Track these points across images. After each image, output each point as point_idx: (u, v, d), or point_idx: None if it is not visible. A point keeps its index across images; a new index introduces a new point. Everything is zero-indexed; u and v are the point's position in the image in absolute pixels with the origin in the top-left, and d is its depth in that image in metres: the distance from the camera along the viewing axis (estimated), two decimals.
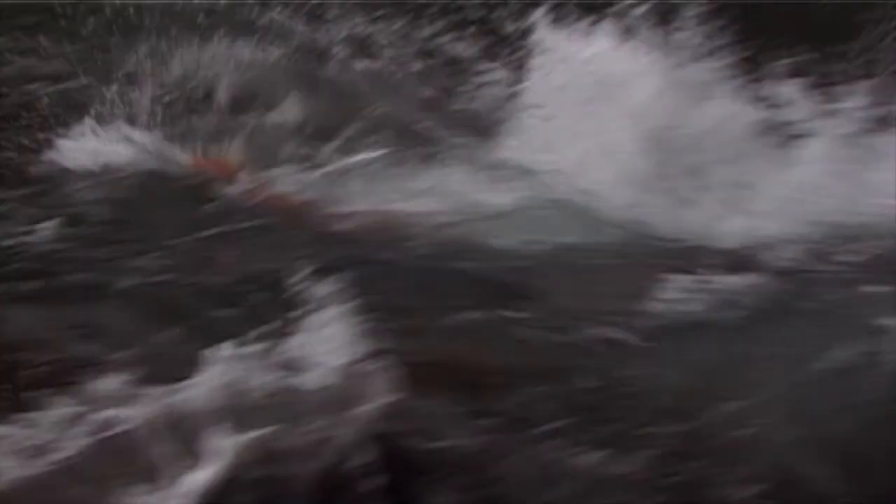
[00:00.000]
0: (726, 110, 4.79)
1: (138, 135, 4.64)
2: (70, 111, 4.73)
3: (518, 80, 5.07)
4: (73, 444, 2.51)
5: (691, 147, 4.67)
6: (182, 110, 4.83)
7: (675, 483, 2.63)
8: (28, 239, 3.68)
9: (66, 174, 4.38)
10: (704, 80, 4.86)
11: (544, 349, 3.21)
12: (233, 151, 4.64)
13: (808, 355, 3.19)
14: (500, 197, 4.37)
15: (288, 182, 4.42)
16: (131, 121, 4.71)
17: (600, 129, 4.73)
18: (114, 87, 4.80)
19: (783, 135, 4.72)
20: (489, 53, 5.40)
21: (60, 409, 2.62)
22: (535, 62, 5.00)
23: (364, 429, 2.53)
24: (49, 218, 3.84)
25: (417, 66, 5.45)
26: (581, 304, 3.50)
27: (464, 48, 5.48)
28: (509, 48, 5.33)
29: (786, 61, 4.90)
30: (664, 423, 2.81)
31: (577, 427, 2.74)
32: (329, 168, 4.53)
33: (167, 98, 4.83)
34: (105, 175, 4.36)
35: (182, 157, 4.58)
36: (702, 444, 2.76)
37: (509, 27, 5.45)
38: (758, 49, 4.95)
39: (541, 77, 4.98)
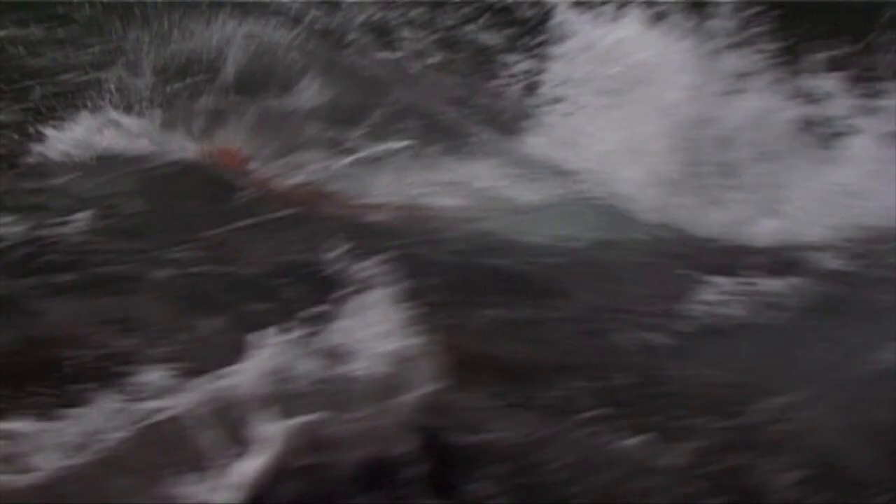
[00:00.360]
0: (762, 104, 4.67)
1: (149, 126, 4.55)
2: (85, 103, 4.64)
3: (540, 70, 4.98)
4: (119, 436, 2.51)
5: (724, 143, 4.57)
6: (192, 100, 4.72)
7: (717, 471, 2.63)
8: (55, 231, 3.65)
9: (70, 166, 4.30)
10: (739, 71, 4.73)
11: (581, 344, 3.24)
12: (245, 141, 4.51)
13: (848, 353, 3.18)
14: (525, 192, 4.30)
15: (302, 172, 4.34)
16: (143, 112, 4.62)
17: (626, 122, 4.65)
18: (126, 78, 4.72)
19: (822, 132, 4.63)
20: (510, 40, 5.29)
21: (104, 401, 2.62)
22: (558, 50, 4.92)
23: (407, 417, 2.53)
24: (62, 210, 3.78)
25: (438, 55, 5.33)
26: (616, 302, 3.50)
27: (485, 36, 5.39)
28: (531, 34, 5.21)
29: (826, 53, 4.78)
30: (704, 415, 2.82)
31: (616, 419, 2.74)
32: (346, 158, 4.43)
33: (178, 88, 4.75)
34: (120, 167, 4.26)
35: (193, 148, 4.46)
36: (742, 435, 2.76)
37: (531, 11, 5.32)
38: (796, 39, 4.85)
39: (564, 66, 4.88)
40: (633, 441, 2.66)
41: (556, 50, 4.94)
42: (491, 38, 5.38)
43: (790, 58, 4.76)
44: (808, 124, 4.64)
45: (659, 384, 2.98)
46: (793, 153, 4.56)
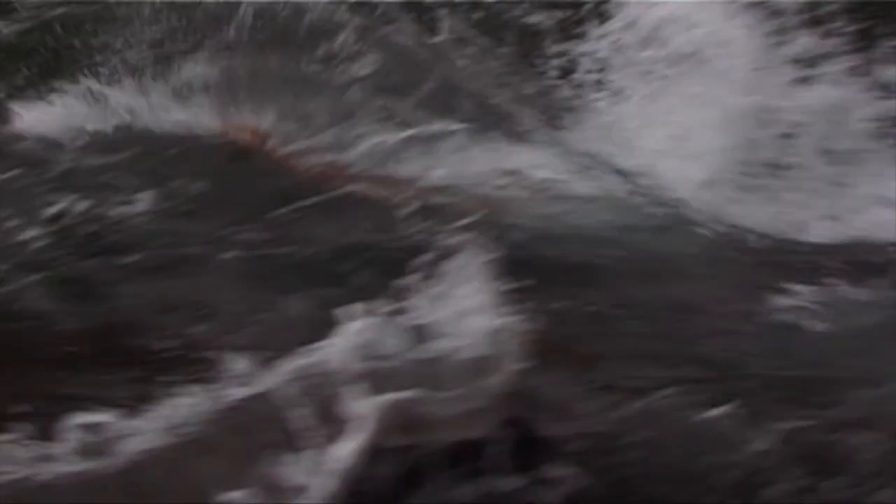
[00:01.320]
0: (831, 95, 4.42)
1: (166, 103, 4.37)
2: (107, 80, 4.49)
3: (583, 52, 4.77)
4: (206, 422, 2.50)
5: (787, 138, 4.35)
6: (215, 76, 4.47)
7: (799, 447, 2.64)
8: (116, 211, 3.60)
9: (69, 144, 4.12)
10: (806, 56, 4.48)
11: (658, 333, 3.22)
12: (266, 118, 4.29)
13: None
14: (577, 183, 4.14)
15: (343, 152, 4.17)
16: (161, 89, 4.43)
17: (676, 112, 4.45)
18: (140, 55, 4.57)
19: None
20: (551, 19, 5.03)
21: (187, 387, 2.59)
22: (603, 29, 4.75)
23: (494, 398, 2.55)
24: (116, 188, 3.68)
25: (478, 35, 5.06)
26: (687, 295, 3.46)
27: (526, 15, 5.13)
28: (573, 11, 4.98)
29: None
30: (785, 399, 2.84)
31: (697, 402, 2.73)
32: (385, 140, 4.23)
33: (196, 64, 4.51)
34: (148, 146, 4.07)
35: (212, 125, 4.27)
36: (825, 417, 2.76)
37: None
38: (873, 21, 4.61)
39: (609, 47, 4.70)
40: (714, 422, 2.68)
41: (600, 29, 4.77)
42: (532, 18, 5.14)
43: (865, 43, 4.54)
44: (883, 120, 4.39)
45: (739, 372, 2.99)
46: (865, 152, 4.33)
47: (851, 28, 4.52)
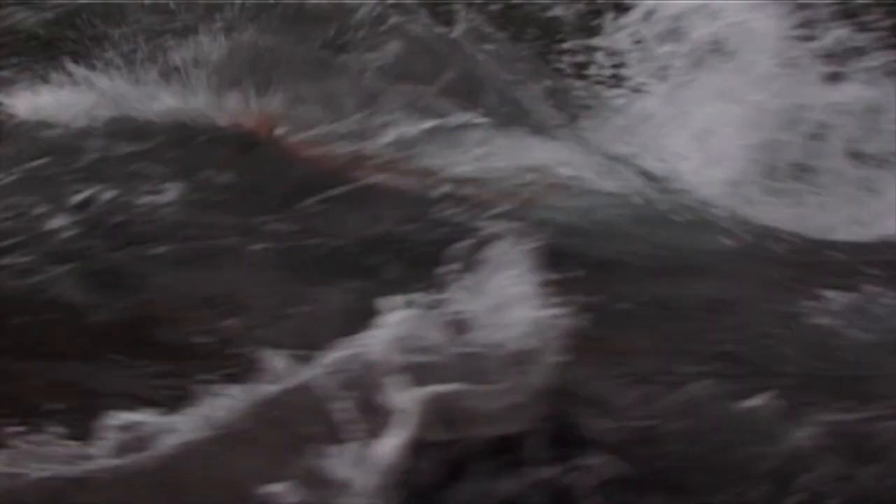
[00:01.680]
0: (863, 94, 4.33)
1: (174, 90, 4.34)
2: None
3: (599, 46, 4.72)
4: (247, 416, 2.52)
5: (815, 138, 4.27)
6: (220, 61, 4.45)
7: (835, 437, 2.64)
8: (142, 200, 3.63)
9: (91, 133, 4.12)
10: (838, 49, 4.40)
11: (693, 329, 3.22)
12: (275, 105, 4.30)
13: None
14: (598, 180, 4.09)
15: (358, 142, 4.13)
16: (169, 76, 4.41)
17: (696, 109, 4.37)
18: (147, 41, 4.52)
19: None
20: (567, 10, 5.02)
21: (224, 381, 2.61)
22: (621, 21, 4.67)
23: (535, 392, 2.57)
24: (129, 177, 3.73)
25: (494, 28, 5.02)
26: (721, 293, 3.43)
27: (542, 7, 5.10)
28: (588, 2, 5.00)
29: None
30: (826, 395, 2.82)
31: (737, 397, 2.74)
32: (401, 130, 4.18)
33: (206, 49, 4.49)
34: (168, 134, 4.08)
35: (220, 113, 4.26)
36: (864, 409, 2.75)
37: None
38: None
39: (626, 40, 4.63)
40: (750, 414, 2.70)
41: (618, 21, 4.69)
42: (548, 11, 5.10)
43: None
44: None
45: (773, 367, 2.99)
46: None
47: (887, 22, 4.47)
